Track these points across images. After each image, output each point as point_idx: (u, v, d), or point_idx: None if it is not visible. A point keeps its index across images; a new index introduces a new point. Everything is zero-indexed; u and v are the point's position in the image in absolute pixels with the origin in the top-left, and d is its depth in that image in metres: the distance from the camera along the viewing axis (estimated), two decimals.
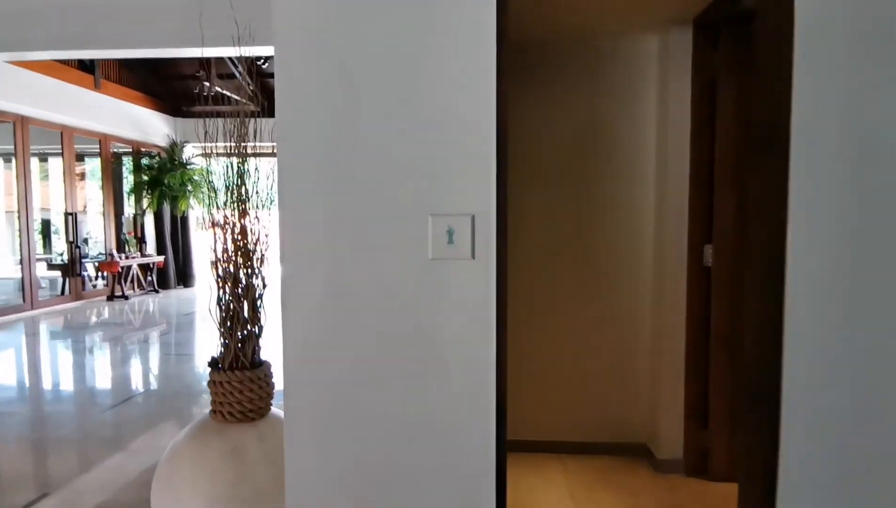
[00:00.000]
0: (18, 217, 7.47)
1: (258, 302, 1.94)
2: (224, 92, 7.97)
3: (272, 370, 1.92)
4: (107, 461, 2.80)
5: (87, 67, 8.44)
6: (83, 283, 8.55)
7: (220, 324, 1.89)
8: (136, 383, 4.35)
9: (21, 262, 7.44)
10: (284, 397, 1.36)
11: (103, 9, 4.80)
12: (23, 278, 7.43)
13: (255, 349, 1.91)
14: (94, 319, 7.49)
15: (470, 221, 1.31)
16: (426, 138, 1.33)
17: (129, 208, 9.96)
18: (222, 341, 1.89)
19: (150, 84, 9.98)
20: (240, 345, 1.87)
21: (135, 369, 4.95)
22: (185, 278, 10.34)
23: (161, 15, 4.61)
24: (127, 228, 9.65)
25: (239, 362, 1.84)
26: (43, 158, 10.13)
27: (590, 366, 2.86)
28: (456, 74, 1.31)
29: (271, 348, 1.94)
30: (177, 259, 10.24)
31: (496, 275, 1.32)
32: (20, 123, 7.38)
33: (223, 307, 1.88)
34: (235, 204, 1.95)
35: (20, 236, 7.48)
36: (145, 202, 9.88)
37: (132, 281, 9.09)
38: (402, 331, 1.34)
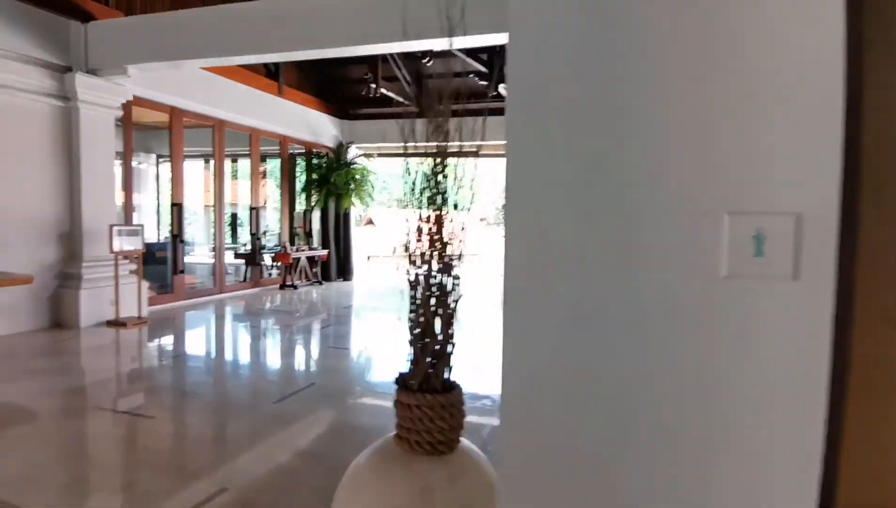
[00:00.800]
0: (214, 211, 8.40)
1: (453, 314, 1.67)
2: (388, 93, 8.13)
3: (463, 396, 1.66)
4: (280, 459, 2.79)
5: (272, 74, 9.26)
6: (261, 271, 9.40)
7: (412, 336, 1.66)
8: (302, 376, 4.47)
9: (214, 251, 8.36)
10: (498, 440, 1.04)
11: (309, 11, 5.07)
12: (215, 266, 8.35)
13: (448, 370, 1.65)
14: (268, 305, 8.16)
15: (793, 223, 0.88)
16: (726, 99, 0.92)
17: (298, 205, 10.77)
18: (412, 355, 1.66)
19: (322, 88, 10.71)
20: (431, 363, 1.62)
21: (299, 359, 5.18)
22: (344, 271, 10.94)
23: (357, 13, 4.71)
24: (297, 223, 10.46)
25: (430, 383, 1.59)
26: (234, 159, 11.42)
27: None
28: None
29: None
30: (338, 253, 10.87)
31: (834, 305, 0.87)
32: (218, 127, 8.28)
33: (416, 318, 1.64)
34: (432, 203, 1.69)
35: (215, 228, 8.41)
36: (313, 199, 10.62)
37: (300, 272, 9.80)
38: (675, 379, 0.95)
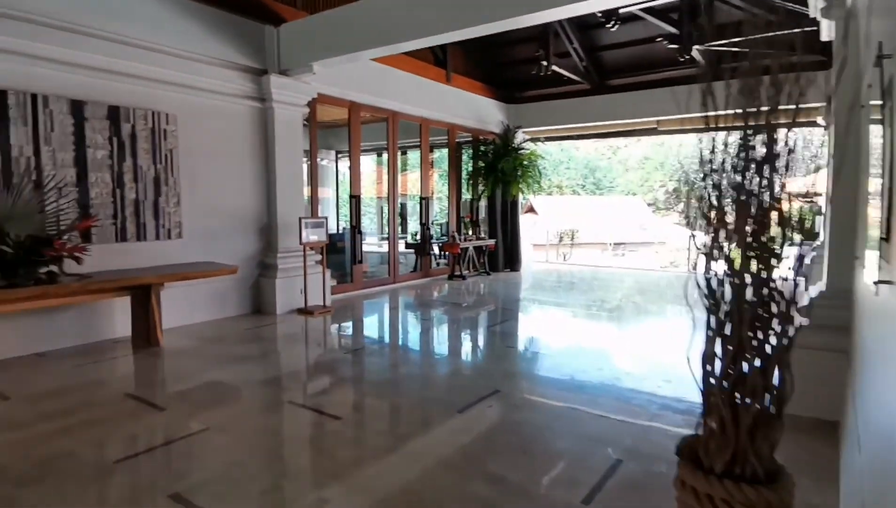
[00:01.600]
0: (387, 202, 8.56)
1: (786, 351, 1.08)
2: (560, 70, 7.37)
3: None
4: (474, 489, 2.42)
5: (440, 61, 9.14)
6: (429, 261, 9.43)
7: (714, 380, 1.09)
8: (483, 379, 4.09)
9: (387, 241, 8.53)
10: None
11: None
12: (389, 255, 8.53)
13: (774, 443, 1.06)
14: (438, 295, 8.10)
15: None
16: None
17: (464, 194, 10.61)
18: (709, 411, 1.09)
19: (489, 73, 10.36)
20: (750, 432, 1.04)
21: (477, 358, 4.86)
22: (511, 261, 10.57)
23: None
24: (463, 212, 10.32)
25: (742, 465, 1.02)
26: (402, 151, 11.68)
27: None
28: None
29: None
30: (505, 243, 10.52)
31: None
32: (391, 118, 8.38)
33: (727, 351, 1.07)
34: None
35: (387, 218, 8.58)
36: (480, 188, 10.39)
37: (468, 262, 9.64)
38: None
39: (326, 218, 6.68)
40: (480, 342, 5.39)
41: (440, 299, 7.81)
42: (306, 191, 7.40)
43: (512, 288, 8.91)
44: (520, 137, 10.51)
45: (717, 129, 1.56)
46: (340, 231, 10.47)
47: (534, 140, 10.51)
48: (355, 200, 7.88)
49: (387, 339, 5.57)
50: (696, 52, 7.74)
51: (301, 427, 3.22)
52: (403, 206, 11.84)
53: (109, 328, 5.13)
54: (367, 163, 15.85)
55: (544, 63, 8.21)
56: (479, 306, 7.39)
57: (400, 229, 10.86)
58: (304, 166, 7.24)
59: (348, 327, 6.10)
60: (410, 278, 9.04)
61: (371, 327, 6.32)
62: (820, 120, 8.33)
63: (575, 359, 4.62)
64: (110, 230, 5.16)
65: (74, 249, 4.38)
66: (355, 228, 7.86)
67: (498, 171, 9.89)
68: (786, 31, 1.35)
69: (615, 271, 11.85)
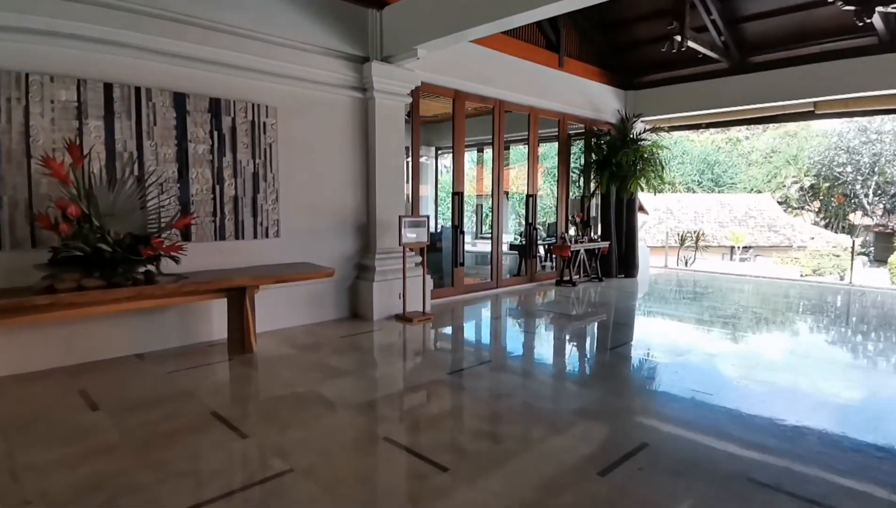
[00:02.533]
0: (492, 199, 7.89)
1: None
2: (696, 46, 6.12)
3: None
4: None
5: (552, 45, 8.30)
6: (535, 264, 8.63)
7: None
8: (625, 427, 3.24)
9: (490, 241, 7.86)
10: None
11: None
12: (491, 257, 7.85)
13: None
14: (548, 305, 7.29)
15: None
16: None
17: (574, 190, 9.65)
18: None
19: (605, 56, 9.32)
20: None
21: (611, 397, 4.03)
22: (627, 266, 9.47)
23: None
24: (572, 210, 9.39)
25: None
26: (506, 145, 10.96)
27: None
28: None
29: None
30: (619, 246, 9.45)
31: None
32: (497, 108, 7.68)
33: None
34: None
35: (491, 217, 7.90)
36: (593, 184, 9.40)
37: (578, 266, 8.72)
38: None
39: (427, 217, 6.15)
40: (604, 368, 4.54)
41: (549, 309, 7.01)
42: (407, 188, 6.93)
43: (630, 297, 7.87)
44: (639, 126, 9.38)
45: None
46: (439, 230, 9.98)
47: (655, 130, 9.29)
48: (458, 197, 7.29)
49: (492, 356, 4.89)
50: (877, 18, 6.25)
51: (400, 478, 2.63)
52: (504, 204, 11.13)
53: (207, 330, 4.93)
54: (466, 161, 15.36)
55: (678, 38, 7.07)
56: (593, 318, 6.49)
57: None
58: (406, 162, 6.76)
59: (449, 339, 5.51)
60: (514, 282, 8.30)
61: (474, 340, 5.68)
62: None
63: (742, 398, 3.64)
64: (209, 228, 4.95)
65: (172, 247, 4.16)
66: (457, 227, 7.28)
67: (613, 165, 8.85)
68: None
69: (747, 278, 10.29)
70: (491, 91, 7.44)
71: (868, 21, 6.08)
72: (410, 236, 5.79)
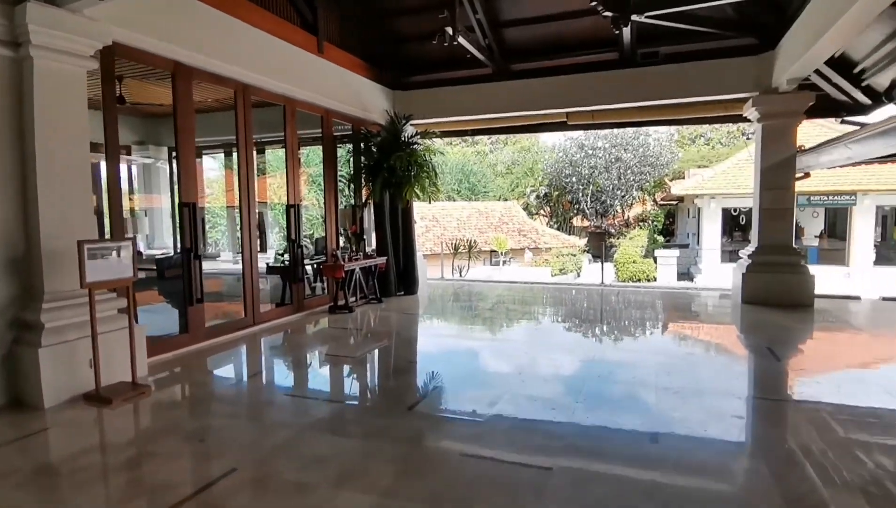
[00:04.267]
0: (239, 212, 6.09)
1: None
2: (467, 45, 5.25)
3: None
4: None
5: (309, 25, 6.89)
6: (303, 289, 7.10)
7: None
8: None
9: (242, 266, 6.05)
10: None
11: None
12: (245, 287, 6.04)
13: None
14: (325, 342, 5.86)
15: None
16: None
17: (342, 200, 8.41)
18: None
19: (371, 49, 8.31)
20: None
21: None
22: (406, 282, 8.58)
23: None
24: (342, 222, 8.12)
25: None
26: (259, 149, 9.16)
27: None
28: None
29: None
30: (397, 260, 8.51)
31: None
32: (241, 92, 5.95)
33: None
34: None
35: (243, 235, 6.09)
36: (364, 192, 8.28)
37: (354, 287, 7.46)
38: None
39: (133, 238, 4.14)
40: (412, 461, 3.32)
41: (322, 348, 5.59)
42: (135, 201, 4.74)
43: (414, 322, 6.94)
44: (409, 130, 8.60)
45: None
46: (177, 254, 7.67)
47: (426, 134, 8.60)
48: (188, 209, 5.34)
49: (240, 462, 3.23)
50: (626, 29, 6.47)
51: None
52: (261, 216, 9.31)
53: None
54: (212, 164, 12.85)
55: (449, 30, 6.38)
56: (377, 355, 5.31)
57: (259, 247, 8.36)
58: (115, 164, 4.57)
59: (174, 428, 3.63)
60: (278, 314, 6.62)
61: (216, 426, 3.87)
62: (747, 113, 7.61)
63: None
64: None
65: None
66: (191, 250, 5.32)
67: (385, 170, 7.86)
68: None
69: (520, 285, 10.45)
70: (232, 70, 5.68)
71: (624, 28, 6.22)
72: (101, 270, 3.73)
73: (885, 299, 7.85)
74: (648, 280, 17.43)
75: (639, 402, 3.72)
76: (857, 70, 7.56)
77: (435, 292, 9.18)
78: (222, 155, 10.89)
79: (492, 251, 21.39)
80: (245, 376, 4.71)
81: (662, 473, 2.67)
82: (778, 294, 7.02)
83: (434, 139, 8.60)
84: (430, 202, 8.82)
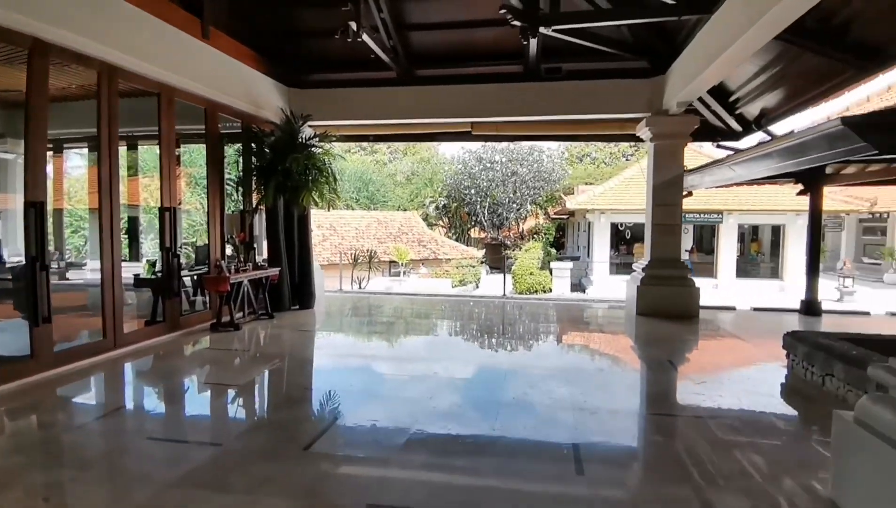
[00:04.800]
0: (99, 214, 5.16)
1: None
2: (371, 43, 4.96)
3: None
4: None
5: (193, 7, 6.10)
6: (181, 305, 6.22)
7: None
8: None
9: (102, 279, 5.11)
10: None
11: None
12: (104, 302, 5.10)
13: None
14: (205, 368, 5.09)
15: None
16: None
17: (230, 205, 7.59)
18: None
19: (265, 40, 7.62)
20: None
21: None
22: (302, 295, 7.91)
23: None
24: (229, 229, 7.30)
25: None
26: (130, 144, 8.03)
27: None
28: None
29: None
30: (292, 271, 7.83)
31: None
32: (107, 74, 5.06)
33: None
34: None
35: (101, 242, 5.15)
36: (256, 196, 7.54)
37: (241, 302, 6.69)
38: None
39: None
40: None
41: (198, 375, 4.85)
42: None
43: (310, 341, 6.35)
44: (307, 131, 8.00)
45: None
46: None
47: (324, 137, 8.00)
48: (35, 211, 4.39)
49: None
50: (533, 41, 6.45)
51: None
52: (134, 221, 8.20)
53: None
54: (78, 161, 11.16)
55: (353, 25, 5.94)
56: (267, 383, 4.70)
57: (128, 255, 7.29)
58: None
59: (13, 485, 2.81)
60: (147, 334, 5.70)
61: (63, 490, 3.08)
62: (640, 132, 7.96)
63: None
64: None
65: None
66: (36, 259, 4.36)
67: (280, 173, 7.19)
68: None
69: (423, 298, 10.15)
70: (96, 48, 4.79)
71: (532, 39, 6.18)
72: None
73: (755, 309, 8.57)
74: (545, 291, 18.01)
75: (559, 423, 3.53)
76: (732, 99, 8.24)
77: (333, 305, 8.59)
78: (88, 151, 9.46)
79: (391, 262, 20.96)
80: (101, 413, 3.88)
81: (601, 503, 2.45)
82: (669, 306, 7.35)
83: (334, 144, 8.04)
84: (328, 210, 8.23)
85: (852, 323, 7.65)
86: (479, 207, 29.00)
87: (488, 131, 8.97)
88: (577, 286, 19.69)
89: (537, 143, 30.41)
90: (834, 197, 16.52)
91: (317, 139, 7.75)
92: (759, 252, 19.45)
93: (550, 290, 18.12)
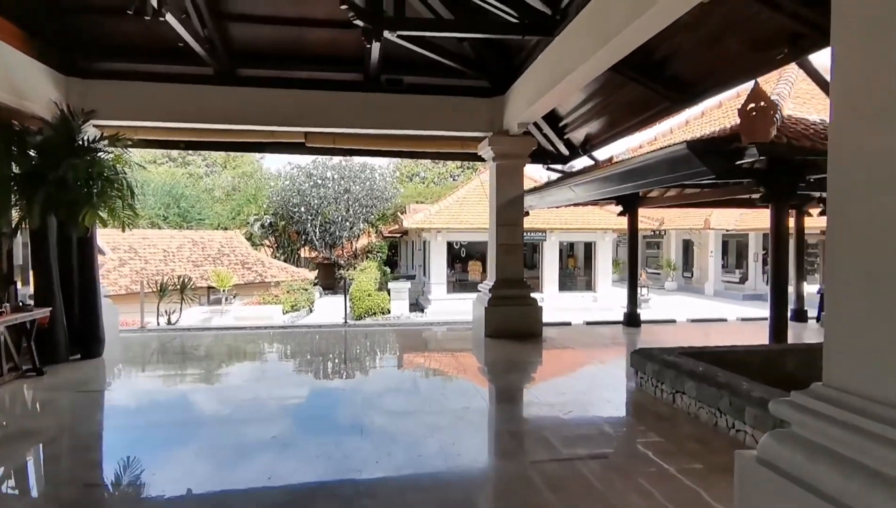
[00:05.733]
0: None
1: None
2: (177, 27, 4.20)
3: None
4: None
5: None
6: None
7: None
8: None
9: None
10: None
11: None
12: None
13: None
14: None
15: None
16: None
17: None
18: None
19: (33, 15, 5.90)
20: None
21: None
22: (86, 340, 6.19)
23: None
24: None
25: None
26: None
27: None
28: None
29: None
30: (70, 311, 6.08)
31: None
32: None
33: None
34: None
35: None
36: (15, 213, 5.72)
37: None
38: None
39: None
40: None
41: None
42: None
43: (103, 404, 4.88)
44: (91, 132, 6.38)
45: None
46: None
47: (115, 140, 6.38)
48: None
49: None
50: (376, 46, 5.92)
51: None
52: None
53: None
54: None
55: (152, 1, 4.75)
56: (46, 488, 3.33)
57: None
58: None
59: None
60: None
61: None
62: (482, 151, 7.89)
63: None
64: None
65: None
66: None
67: (52, 183, 5.53)
68: None
69: (253, 331, 8.85)
70: None
71: (376, 42, 5.63)
72: None
73: (588, 323, 9.06)
74: (383, 313, 17.46)
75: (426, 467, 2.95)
76: (562, 124, 8.68)
77: (132, 350, 6.91)
78: None
79: (210, 288, 18.55)
80: None
81: None
82: (516, 327, 7.31)
83: (129, 149, 6.48)
84: (123, 230, 6.59)
85: (666, 332, 8.46)
86: (309, 225, 27.51)
87: (324, 144, 8.18)
88: (416, 306, 19.56)
89: (370, 161, 30.07)
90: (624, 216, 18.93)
91: (105, 143, 6.19)
92: (575, 267, 21.48)
93: (389, 311, 17.65)
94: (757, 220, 20.79)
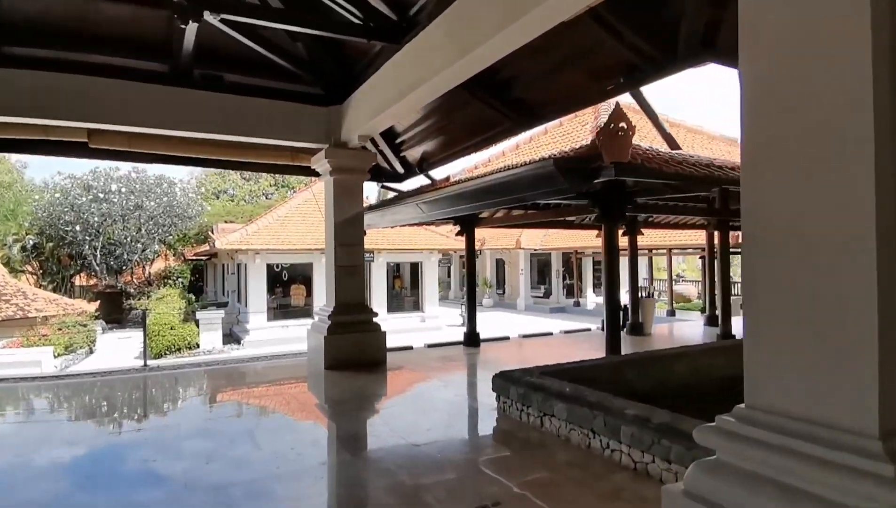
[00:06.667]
0: None
1: None
2: None
3: None
4: None
5: None
6: None
7: None
8: None
9: None
10: None
11: None
12: None
13: None
14: None
15: None
16: None
17: None
18: None
19: None
20: None
21: None
22: None
23: None
24: None
25: None
26: None
27: None
28: None
29: None
30: None
31: None
32: None
33: None
34: None
35: None
36: None
37: None
38: None
39: None
40: None
41: None
42: None
43: None
44: None
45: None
46: None
47: None
48: None
49: None
50: (189, 33, 4.92)
51: None
52: None
53: None
54: None
55: None
56: None
57: None
58: None
59: None
60: None
61: None
62: (317, 165, 7.16)
63: None
64: None
65: None
66: None
67: None
68: None
69: (9, 384, 6.69)
70: None
71: (193, 24, 4.64)
72: None
73: (429, 345, 8.82)
74: (190, 348, 15.09)
75: None
76: (398, 141, 8.41)
77: None
78: None
79: None
80: None
81: None
82: (359, 355, 6.69)
83: None
84: None
85: (506, 349, 8.64)
86: (87, 247, 22.99)
87: (116, 145, 6.65)
88: (230, 337, 17.43)
89: (168, 174, 26.52)
90: (448, 236, 19.46)
91: None
92: (403, 288, 21.43)
93: (198, 345, 15.34)
94: (558, 240, 23.28)
